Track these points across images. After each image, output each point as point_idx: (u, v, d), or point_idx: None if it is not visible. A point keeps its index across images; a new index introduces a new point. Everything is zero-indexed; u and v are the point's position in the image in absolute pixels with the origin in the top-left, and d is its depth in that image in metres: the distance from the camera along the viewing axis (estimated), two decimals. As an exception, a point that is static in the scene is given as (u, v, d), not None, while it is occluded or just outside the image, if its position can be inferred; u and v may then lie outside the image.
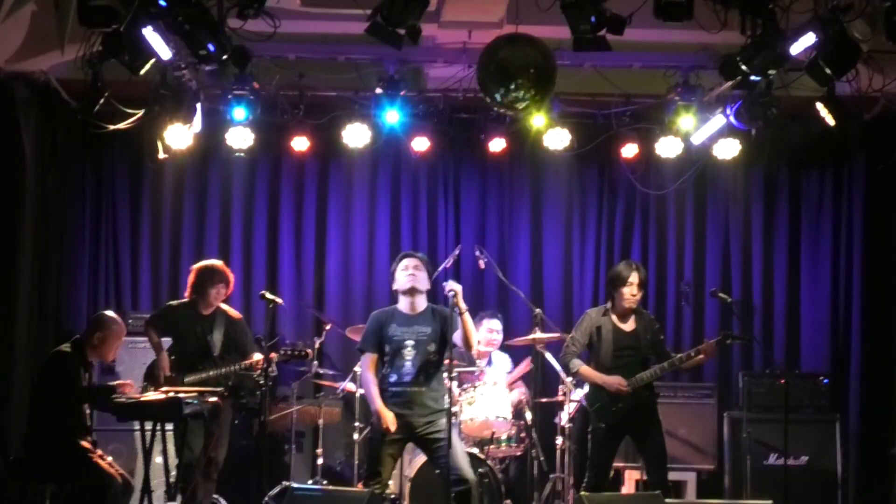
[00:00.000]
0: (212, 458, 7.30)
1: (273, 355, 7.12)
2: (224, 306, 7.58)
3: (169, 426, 6.91)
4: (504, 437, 7.87)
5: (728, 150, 8.28)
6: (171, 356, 7.36)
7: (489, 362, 8.39)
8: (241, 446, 8.05)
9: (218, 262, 7.64)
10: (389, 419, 6.35)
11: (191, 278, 7.53)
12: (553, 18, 6.07)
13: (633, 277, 7.18)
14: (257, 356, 7.21)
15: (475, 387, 7.80)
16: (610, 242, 9.38)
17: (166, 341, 7.47)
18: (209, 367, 7.30)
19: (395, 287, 6.63)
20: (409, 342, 6.47)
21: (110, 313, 7.18)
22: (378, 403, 6.41)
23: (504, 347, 8.56)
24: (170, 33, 6.10)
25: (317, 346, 8.33)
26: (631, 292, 7.18)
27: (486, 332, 8.34)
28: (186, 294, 7.54)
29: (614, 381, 7.07)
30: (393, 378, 6.48)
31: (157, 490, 7.01)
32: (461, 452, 6.57)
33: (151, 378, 7.23)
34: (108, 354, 7.07)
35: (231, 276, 7.57)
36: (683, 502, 7.87)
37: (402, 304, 6.59)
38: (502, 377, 8.24)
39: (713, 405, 8.61)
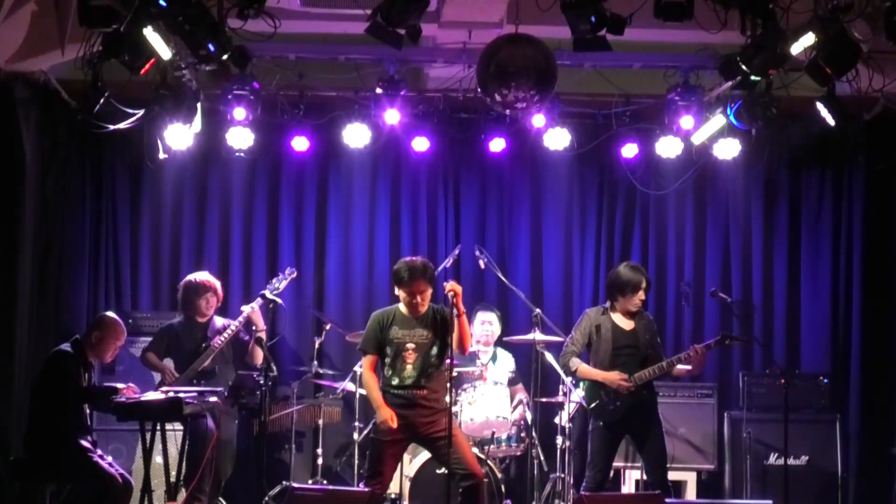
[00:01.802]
0: (218, 469, 7.35)
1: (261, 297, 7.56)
2: (218, 319, 7.69)
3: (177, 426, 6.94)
4: (504, 437, 7.87)
5: (728, 150, 8.27)
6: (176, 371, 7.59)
7: (493, 359, 8.40)
8: (242, 446, 8.05)
9: (201, 275, 7.89)
10: (389, 415, 6.35)
11: (179, 295, 7.84)
12: (553, 18, 6.08)
13: (643, 284, 7.21)
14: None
15: (476, 387, 7.80)
16: (610, 242, 9.37)
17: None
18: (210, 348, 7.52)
19: (398, 293, 6.58)
20: (411, 345, 6.47)
21: (111, 314, 7.21)
22: (380, 400, 6.41)
23: (504, 346, 8.56)
24: (170, 33, 6.09)
25: (317, 346, 8.35)
26: (640, 298, 7.20)
27: (479, 325, 8.34)
28: (179, 310, 7.82)
29: (615, 376, 7.07)
30: (395, 381, 6.48)
31: (157, 490, 7.01)
32: (468, 448, 6.57)
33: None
34: (105, 355, 7.07)
35: (216, 284, 7.79)
36: (683, 502, 7.87)
37: (404, 305, 6.58)
38: (504, 376, 8.25)
39: (713, 405, 8.62)
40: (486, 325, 8.39)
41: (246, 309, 7.63)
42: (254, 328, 7.65)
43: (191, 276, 7.89)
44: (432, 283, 6.51)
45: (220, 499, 7.67)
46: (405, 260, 6.59)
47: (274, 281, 7.85)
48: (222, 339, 7.56)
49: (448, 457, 6.29)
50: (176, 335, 7.70)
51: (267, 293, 7.52)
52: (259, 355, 7.52)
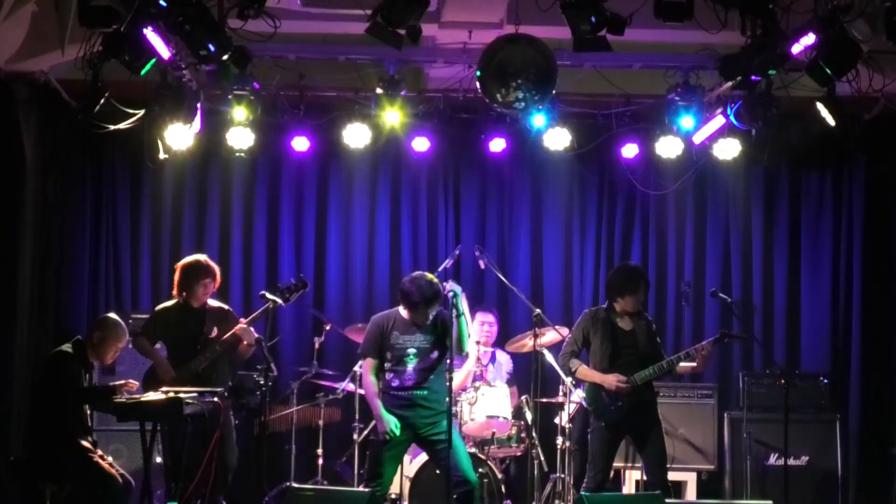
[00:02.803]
0: (224, 462, 7.31)
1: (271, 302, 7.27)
2: (212, 302, 7.59)
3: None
4: (504, 437, 7.88)
5: (728, 150, 8.28)
6: (168, 358, 7.42)
7: (492, 360, 8.40)
8: (242, 446, 8.04)
9: (201, 257, 7.64)
10: (392, 425, 6.35)
11: (176, 277, 7.52)
12: (553, 18, 6.08)
13: (642, 286, 7.20)
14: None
15: (476, 387, 7.80)
16: (610, 242, 9.37)
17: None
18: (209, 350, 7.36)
19: (401, 303, 6.57)
20: (412, 350, 6.48)
21: (113, 315, 7.18)
22: (380, 409, 6.41)
23: (503, 347, 8.56)
24: (170, 33, 6.10)
25: (317, 346, 8.34)
26: (638, 299, 7.20)
27: (478, 326, 8.33)
28: (174, 293, 7.52)
29: (613, 378, 7.07)
30: (395, 383, 6.49)
31: (157, 490, 7.01)
32: (464, 454, 6.57)
33: (153, 382, 7.21)
34: (106, 356, 7.05)
35: (216, 270, 7.57)
36: (683, 502, 7.87)
37: (405, 310, 6.57)
38: (502, 377, 8.25)
39: (713, 405, 8.61)
40: (485, 325, 8.39)
41: (242, 324, 7.47)
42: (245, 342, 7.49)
43: (190, 259, 7.60)
44: (439, 302, 6.52)
45: (221, 499, 7.65)
46: (417, 283, 6.51)
47: (285, 292, 7.51)
48: (222, 341, 7.47)
49: (445, 461, 6.28)
50: (170, 319, 7.46)
51: (266, 294, 7.48)
52: (248, 353, 7.48)
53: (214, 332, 7.45)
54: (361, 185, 9.25)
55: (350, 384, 8.05)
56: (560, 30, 6.26)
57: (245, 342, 7.36)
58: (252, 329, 7.35)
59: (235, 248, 9.13)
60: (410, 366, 6.46)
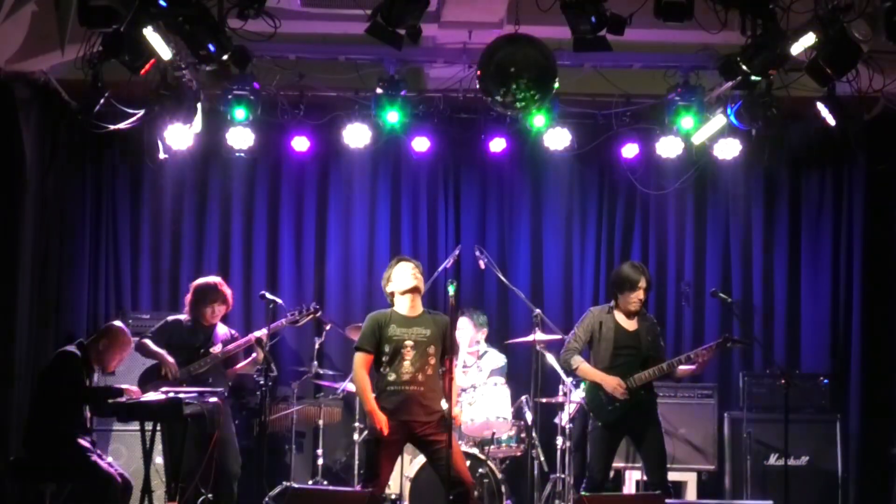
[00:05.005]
0: (226, 469, 7.30)
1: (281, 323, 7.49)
2: (223, 327, 7.64)
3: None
4: (504, 437, 7.87)
5: (728, 150, 8.28)
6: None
7: (479, 358, 8.39)
8: (242, 446, 8.04)
9: (214, 280, 7.71)
10: (382, 421, 6.34)
11: (188, 296, 7.67)
12: (553, 18, 6.08)
13: (642, 282, 7.20)
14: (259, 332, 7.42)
15: (475, 387, 7.80)
16: (610, 242, 9.38)
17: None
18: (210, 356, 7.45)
19: (392, 289, 6.62)
20: (409, 342, 6.47)
21: (119, 324, 7.19)
22: (371, 404, 6.39)
23: (499, 346, 8.56)
24: (170, 33, 6.10)
25: (317, 346, 8.34)
26: (638, 297, 7.20)
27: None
28: (186, 311, 7.67)
29: (613, 381, 7.06)
30: (392, 377, 6.47)
31: (157, 490, 7.01)
32: (460, 455, 6.56)
33: (152, 381, 7.22)
34: (110, 363, 7.07)
35: (228, 293, 7.63)
36: (683, 502, 7.87)
37: (401, 305, 6.58)
38: (487, 370, 8.23)
39: (713, 405, 8.62)
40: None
41: (257, 333, 7.51)
42: (254, 354, 7.54)
43: (202, 280, 7.73)
44: (422, 270, 6.71)
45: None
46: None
47: (296, 313, 7.68)
48: (224, 350, 7.51)
49: (441, 461, 6.27)
50: (179, 331, 7.56)
51: (266, 294, 7.49)
52: (244, 370, 7.55)
53: (219, 348, 7.50)
54: (361, 185, 9.25)
55: (350, 384, 8.04)
56: (560, 30, 6.26)
57: (252, 357, 7.41)
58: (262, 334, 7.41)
59: (235, 248, 9.13)
60: (407, 360, 6.45)
